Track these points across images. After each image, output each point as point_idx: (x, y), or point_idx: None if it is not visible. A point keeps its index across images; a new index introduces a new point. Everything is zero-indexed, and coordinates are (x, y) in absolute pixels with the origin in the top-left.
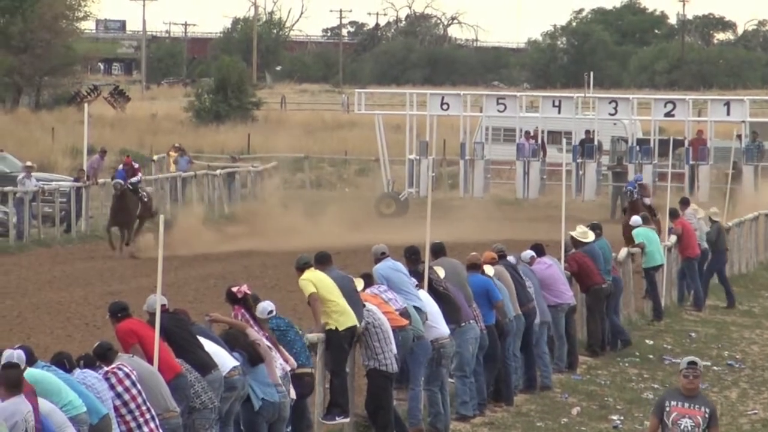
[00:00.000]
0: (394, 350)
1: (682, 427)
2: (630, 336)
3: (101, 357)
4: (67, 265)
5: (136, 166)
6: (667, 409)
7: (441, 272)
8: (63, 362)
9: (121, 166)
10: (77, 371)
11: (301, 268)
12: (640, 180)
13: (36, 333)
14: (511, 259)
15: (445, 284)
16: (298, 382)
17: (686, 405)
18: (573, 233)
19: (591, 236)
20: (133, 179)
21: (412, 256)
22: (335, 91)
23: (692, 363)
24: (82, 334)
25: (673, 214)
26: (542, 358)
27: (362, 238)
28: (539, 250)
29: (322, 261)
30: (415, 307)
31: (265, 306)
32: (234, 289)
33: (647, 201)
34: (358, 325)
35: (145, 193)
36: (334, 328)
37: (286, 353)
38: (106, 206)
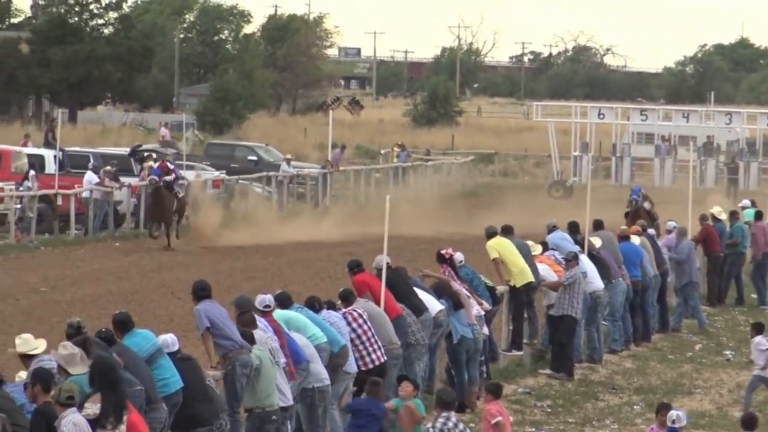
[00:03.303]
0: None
1: None
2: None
3: (343, 299)
4: (314, 230)
5: (171, 167)
6: None
7: (598, 242)
8: (314, 304)
9: (156, 165)
10: (324, 311)
11: (489, 236)
12: (640, 189)
13: (291, 282)
14: (651, 232)
15: (598, 250)
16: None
17: None
18: (712, 210)
19: (724, 216)
20: (167, 178)
21: (572, 228)
22: (518, 103)
23: None
24: (326, 283)
25: None
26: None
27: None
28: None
29: (507, 231)
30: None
31: (459, 256)
32: (442, 252)
33: (647, 207)
34: (533, 281)
35: (179, 190)
36: (513, 284)
37: (481, 299)
38: (346, 188)
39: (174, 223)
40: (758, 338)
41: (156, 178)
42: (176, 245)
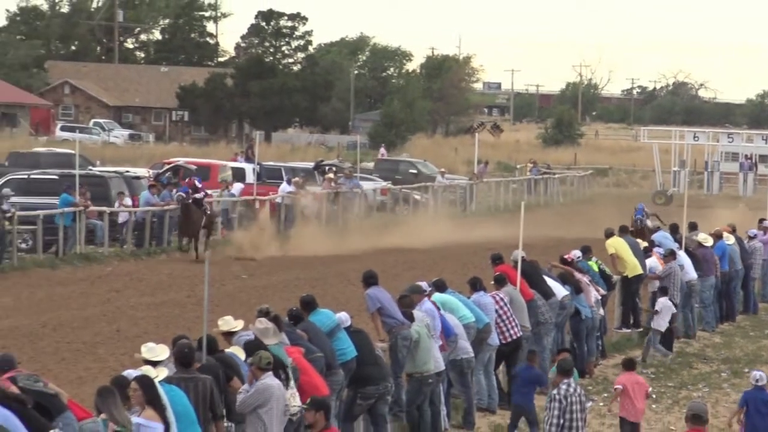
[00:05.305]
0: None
1: None
2: None
3: (497, 282)
4: (463, 230)
5: (200, 185)
6: None
7: (709, 240)
8: (476, 283)
9: (186, 180)
10: (480, 293)
11: (608, 235)
12: (644, 209)
13: (445, 272)
14: (753, 232)
15: (694, 247)
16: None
17: None
18: None
19: None
20: (197, 195)
21: (673, 229)
22: (628, 128)
23: None
24: (472, 272)
25: None
26: None
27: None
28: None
29: (624, 230)
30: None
31: (576, 253)
32: (565, 256)
33: (649, 224)
34: (642, 273)
35: (208, 207)
36: (626, 275)
37: (597, 285)
38: (489, 196)
39: (202, 237)
40: (663, 299)
41: (184, 195)
42: (204, 257)
